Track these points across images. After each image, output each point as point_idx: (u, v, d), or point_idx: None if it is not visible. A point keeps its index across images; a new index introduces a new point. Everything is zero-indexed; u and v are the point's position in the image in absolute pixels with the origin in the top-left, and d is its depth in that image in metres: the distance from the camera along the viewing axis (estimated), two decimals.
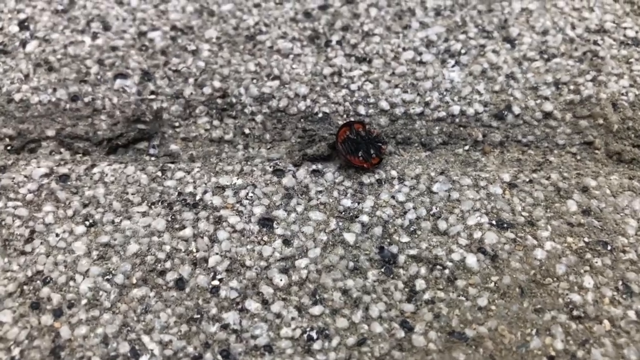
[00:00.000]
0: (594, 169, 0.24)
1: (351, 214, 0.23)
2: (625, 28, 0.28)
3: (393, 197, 0.23)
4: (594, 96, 0.25)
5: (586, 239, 0.22)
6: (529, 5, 0.29)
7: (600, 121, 0.25)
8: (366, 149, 0.24)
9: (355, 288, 0.21)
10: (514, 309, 0.20)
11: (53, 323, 0.20)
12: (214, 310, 0.21)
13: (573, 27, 0.28)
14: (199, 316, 0.20)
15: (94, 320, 0.20)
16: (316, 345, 0.20)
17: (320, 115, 0.25)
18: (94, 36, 0.27)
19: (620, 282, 0.21)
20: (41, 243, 0.22)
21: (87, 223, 0.22)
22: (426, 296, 0.21)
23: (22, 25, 0.28)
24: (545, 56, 0.27)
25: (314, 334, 0.20)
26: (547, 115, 0.25)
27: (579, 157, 0.25)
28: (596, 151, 0.25)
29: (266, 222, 0.22)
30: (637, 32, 0.28)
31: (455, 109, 0.25)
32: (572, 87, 0.26)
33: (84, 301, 0.21)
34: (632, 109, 0.25)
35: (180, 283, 0.21)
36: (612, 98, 0.25)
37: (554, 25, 0.28)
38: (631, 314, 0.20)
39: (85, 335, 0.20)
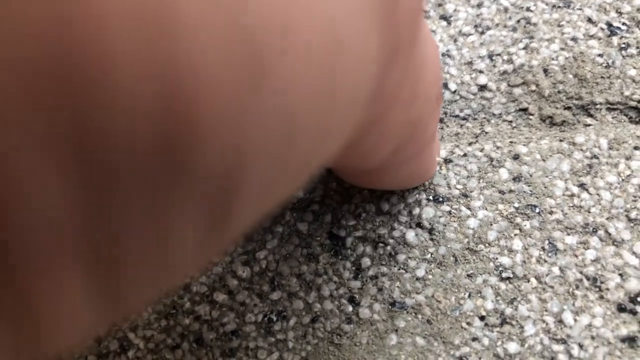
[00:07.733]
0: (527, 135, 0.26)
1: (303, 204, 0.25)
2: None
3: (339, 183, 0.25)
4: (526, 64, 0.27)
5: (516, 205, 0.24)
6: None
7: (533, 87, 0.27)
8: None
9: (309, 272, 0.24)
10: (448, 276, 0.23)
11: None
12: (187, 305, 0.24)
13: None
14: (174, 311, 0.23)
15: None
16: (276, 327, 0.23)
17: None
18: None
19: (546, 242, 0.23)
20: None
21: None
22: (370, 272, 0.23)
23: None
24: (480, 29, 0.28)
25: (273, 317, 0.23)
26: (483, 87, 0.27)
27: (514, 125, 0.26)
28: (530, 117, 0.26)
29: None
30: None
31: None
32: (505, 57, 0.27)
33: None
34: (563, 72, 0.27)
35: None
36: (543, 64, 0.27)
37: None
38: (555, 269, 0.22)
39: None
